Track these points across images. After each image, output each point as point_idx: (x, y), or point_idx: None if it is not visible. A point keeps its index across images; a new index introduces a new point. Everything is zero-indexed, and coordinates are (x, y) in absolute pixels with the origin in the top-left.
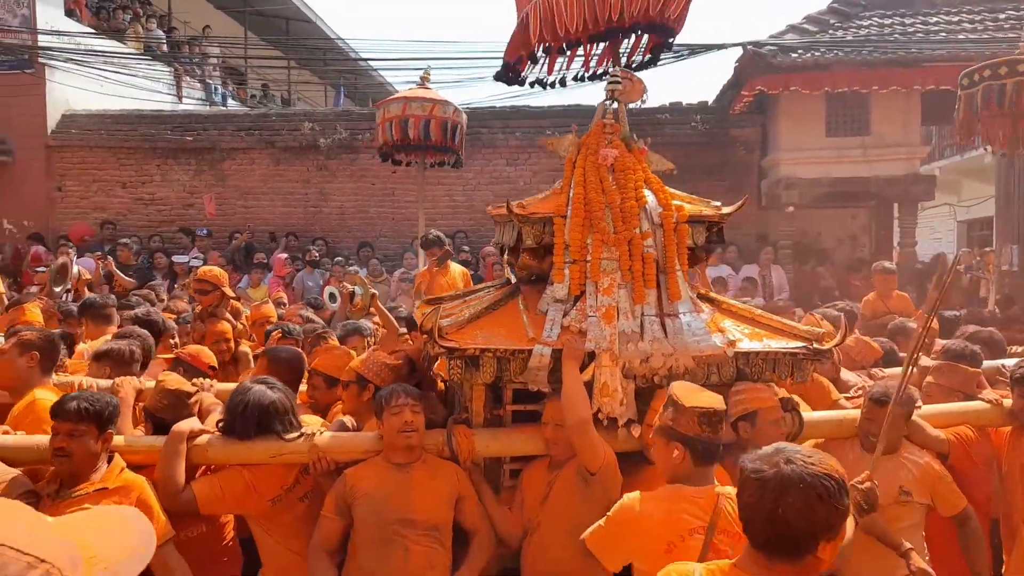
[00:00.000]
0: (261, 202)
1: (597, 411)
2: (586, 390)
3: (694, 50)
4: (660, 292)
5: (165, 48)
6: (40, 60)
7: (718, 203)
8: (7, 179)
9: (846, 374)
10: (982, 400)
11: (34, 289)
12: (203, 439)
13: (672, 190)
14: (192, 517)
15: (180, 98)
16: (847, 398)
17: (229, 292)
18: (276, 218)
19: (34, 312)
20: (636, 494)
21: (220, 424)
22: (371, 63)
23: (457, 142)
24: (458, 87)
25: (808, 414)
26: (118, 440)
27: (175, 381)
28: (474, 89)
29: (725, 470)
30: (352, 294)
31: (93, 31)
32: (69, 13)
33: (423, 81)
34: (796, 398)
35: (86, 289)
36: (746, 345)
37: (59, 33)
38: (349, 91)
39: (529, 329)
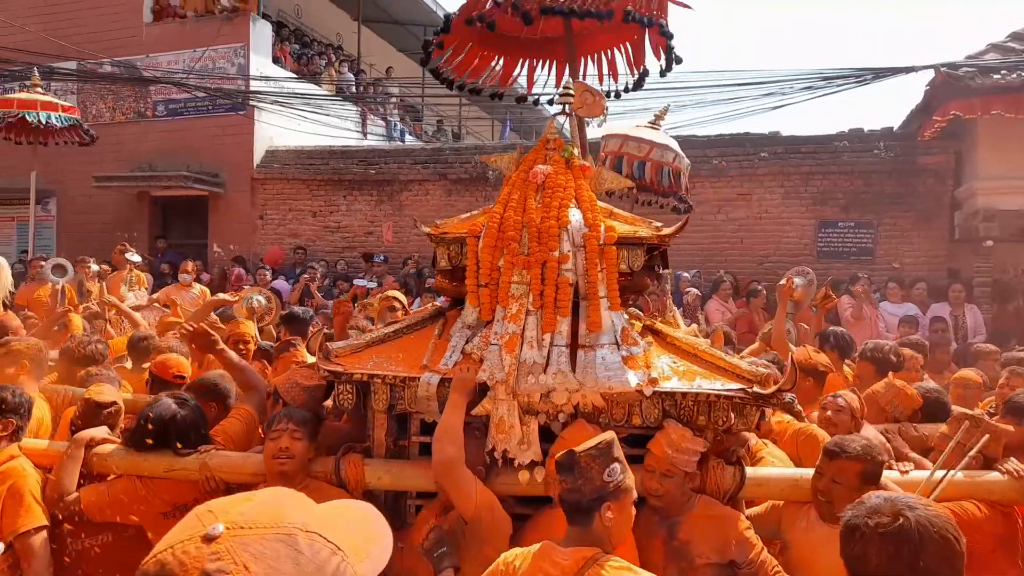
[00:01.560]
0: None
1: (492, 449)
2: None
3: (878, 74)
4: (579, 321)
5: (354, 89)
6: (251, 103)
7: (659, 224)
8: (219, 208)
9: (869, 429)
10: (999, 471)
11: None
12: (105, 448)
13: (619, 211)
14: (95, 525)
15: (365, 134)
16: None
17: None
18: None
19: (249, 326)
20: (516, 549)
21: (124, 435)
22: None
23: (675, 186)
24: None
25: (756, 470)
26: (28, 441)
27: (94, 391)
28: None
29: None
30: None
31: (294, 75)
32: (275, 60)
33: (656, 119)
34: (750, 447)
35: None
36: (672, 385)
37: (266, 78)
38: (515, 125)
39: (427, 355)
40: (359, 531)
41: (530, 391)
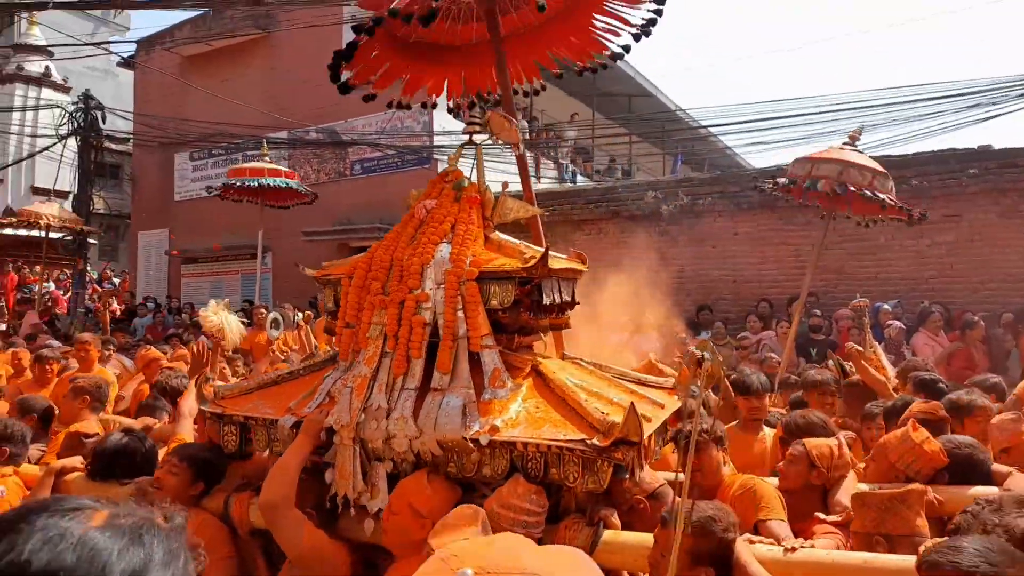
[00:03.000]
0: (607, 269)
1: (333, 495)
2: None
3: None
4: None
5: (527, 136)
6: (434, 157)
7: (562, 256)
8: None
9: (848, 487)
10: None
11: None
12: (72, 476)
13: (510, 242)
14: None
15: (539, 178)
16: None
17: None
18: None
19: None
20: None
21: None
22: (712, 129)
23: (886, 202)
24: (802, 144)
25: (617, 534)
26: (25, 467)
27: (85, 425)
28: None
29: None
30: (701, 359)
31: None
32: (452, 112)
33: (852, 141)
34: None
35: None
36: (512, 433)
37: (447, 133)
38: (687, 158)
39: (298, 399)
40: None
41: (373, 436)
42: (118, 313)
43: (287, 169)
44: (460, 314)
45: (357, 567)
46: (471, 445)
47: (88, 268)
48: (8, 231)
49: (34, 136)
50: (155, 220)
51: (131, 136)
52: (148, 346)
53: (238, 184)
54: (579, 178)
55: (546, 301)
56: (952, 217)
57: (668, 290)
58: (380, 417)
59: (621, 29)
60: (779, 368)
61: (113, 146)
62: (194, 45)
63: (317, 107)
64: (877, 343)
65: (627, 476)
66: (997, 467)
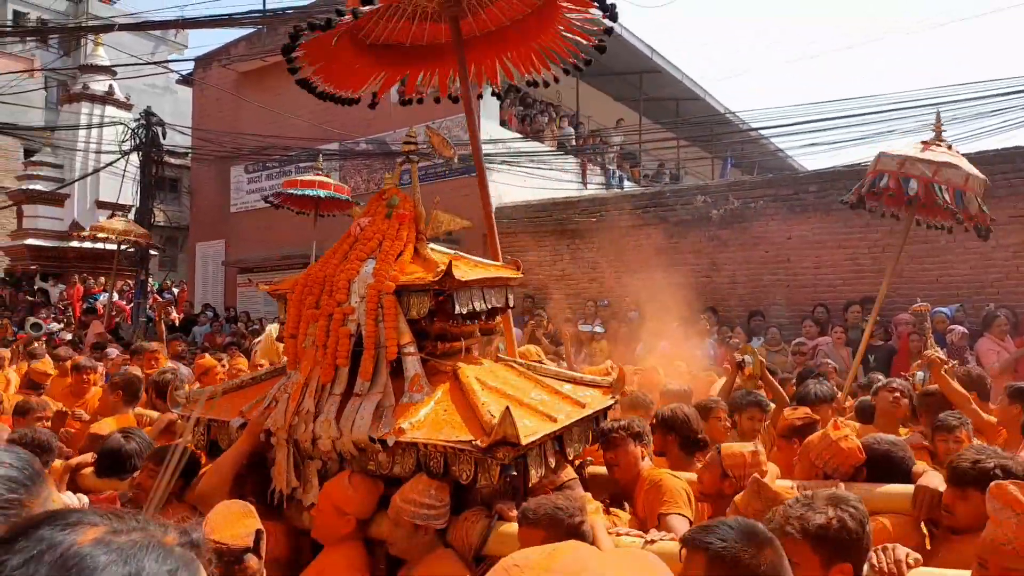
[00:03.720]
0: (655, 274)
1: (273, 489)
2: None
3: None
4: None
5: (574, 143)
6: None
7: (442, 267)
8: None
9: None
10: None
11: None
12: (85, 471)
13: (437, 254)
14: None
15: (585, 184)
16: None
17: None
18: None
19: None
20: None
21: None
22: (764, 132)
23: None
24: (862, 143)
25: (509, 525)
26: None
27: (101, 425)
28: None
29: None
30: (741, 363)
31: (519, 135)
32: (502, 123)
33: (936, 137)
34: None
35: None
36: (415, 435)
37: (495, 141)
38: (737, 161)
39: (251, 402)
40: None
41: (304, 437)
42: (177, 322)
43: (336, 182)
44: (381, 325)
45: (303, 546)
46: (379, 446)
47: (150, 279)
48: (75, 243)
49: (98, 152)
50: (212, 231)
51: (189, 150)
52: (204, 354)
53: (293, 193)
54: (626, 183)
55: (460, 310)
56: (1018, 218)
57: (719, 296)
58: (309, 420)
59: (572, 53)
60: (834, 373)
61: (172, 160)
62: (249, 61)
63: (366, 118)
64: (940, 348)
65: (513, 474)
66: (919, 467)
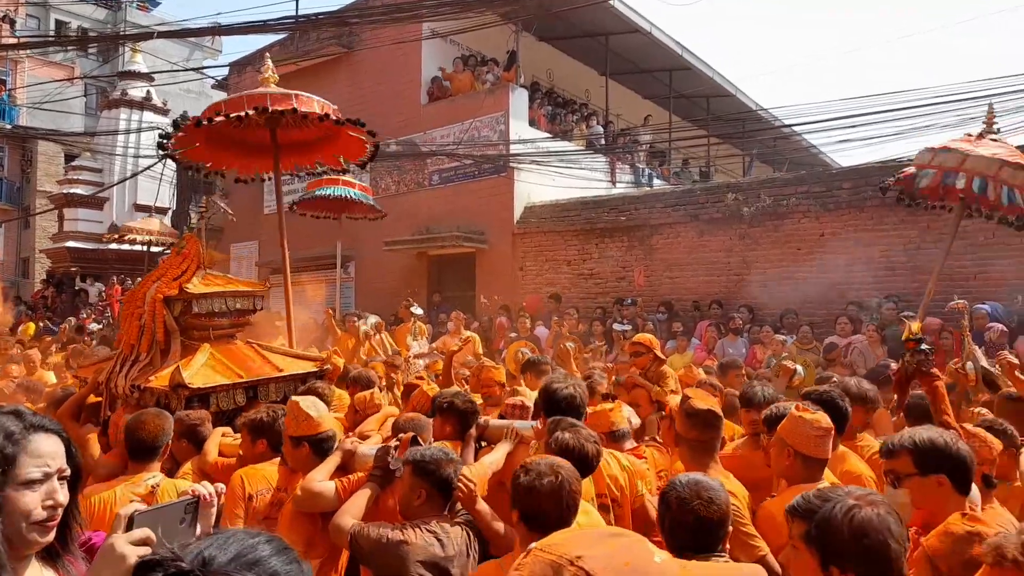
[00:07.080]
0: (685, 272)
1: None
2: None
3: None
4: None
5: (603, 141)
6: (511, 165)
7: (198, 279)
8: (484, 262)
9: None
10: None
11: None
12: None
13: (216, 276)
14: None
15: (614, 183)
16: None
17: (660, 355)
18: (699, 287)
19: (498, 371)
20: None
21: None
22: (797, 128)
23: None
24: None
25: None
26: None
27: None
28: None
29: None
30: (794, 372)
31: (548, 135)
32: (531, 123)
33: (988, 127)
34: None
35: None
36: (152, 381)
37: (524, 141)
38: (767, 158)
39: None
40: None
41: (112, 385)
42: None
43: (361, 183)
44: (155, 320)
45: None
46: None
47: None
48: (113, 245)
49: (136, 156)
50: (245, 233)
51: None
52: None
53: (318, 193)
54: (656, 181)
55: (197, 310)
56: None
57: (750, 294)
58: (116, 376)
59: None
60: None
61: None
62: (282, 65)
63: (396, 120)
64: (977, 346)
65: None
66: None
